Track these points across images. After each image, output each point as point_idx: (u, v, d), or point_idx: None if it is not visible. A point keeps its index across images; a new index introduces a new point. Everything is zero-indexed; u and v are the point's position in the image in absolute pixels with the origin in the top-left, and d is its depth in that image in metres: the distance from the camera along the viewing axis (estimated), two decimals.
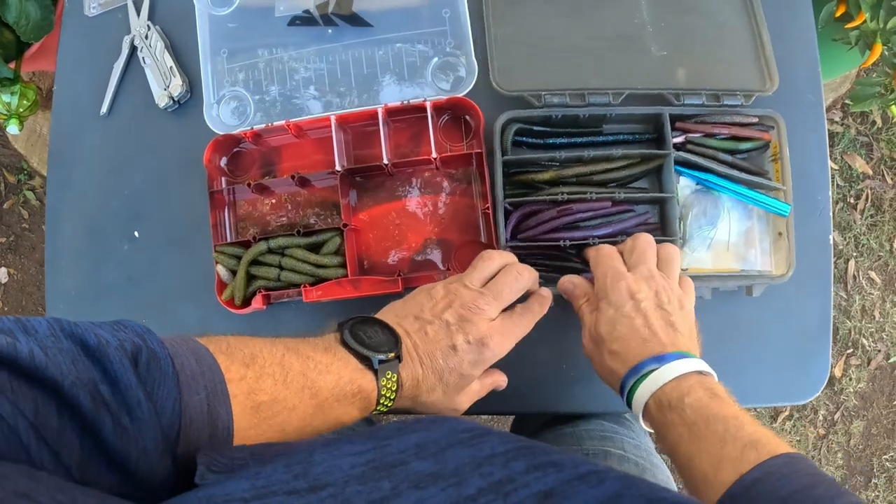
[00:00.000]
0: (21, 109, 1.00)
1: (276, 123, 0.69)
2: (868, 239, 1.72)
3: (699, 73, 0.68)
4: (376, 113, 0.68)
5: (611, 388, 0.57)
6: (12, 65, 1.07)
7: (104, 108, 0.80)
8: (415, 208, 0.72)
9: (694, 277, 0.63)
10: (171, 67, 0.77)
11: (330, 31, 0.73)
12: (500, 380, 0.61)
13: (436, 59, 0.72)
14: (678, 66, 0.68)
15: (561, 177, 0.66)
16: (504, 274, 0.58)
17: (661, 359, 0.52)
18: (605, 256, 0.60)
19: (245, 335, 0.47)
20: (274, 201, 0.73)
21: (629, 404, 0.54)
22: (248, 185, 0.68)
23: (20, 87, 0.99)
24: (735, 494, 0.43)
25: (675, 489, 0.68)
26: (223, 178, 0.73)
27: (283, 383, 0.43)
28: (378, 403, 0.50)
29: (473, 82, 0.70)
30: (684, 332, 0.55)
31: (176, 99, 0.77)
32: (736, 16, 0.70)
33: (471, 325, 0.54)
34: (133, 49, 0.81)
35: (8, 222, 1.84)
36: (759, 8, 0.70)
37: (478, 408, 0.62)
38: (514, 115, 0.66)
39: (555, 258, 0.68)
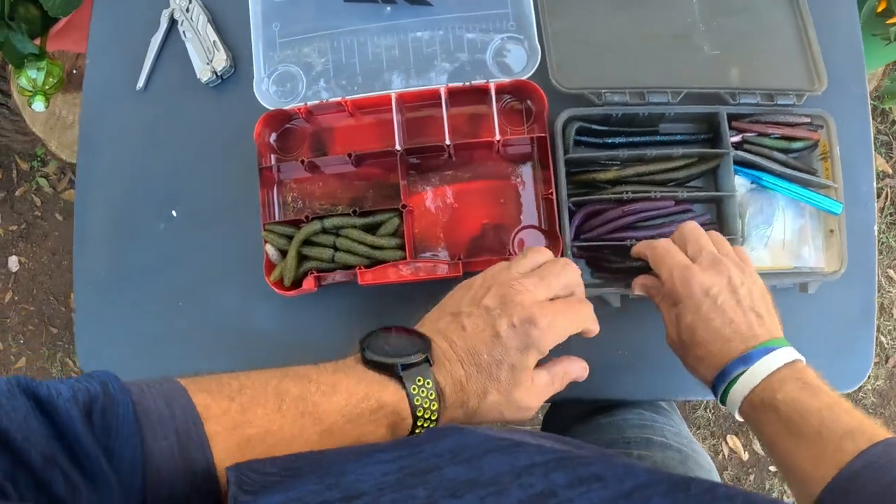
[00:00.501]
0: (47, 87, 0.96)
1: (330, 100, 0.66)
2: (887, 237, 1.71)
3: (751, 73, 0.68)
4: (438, 93, 0.66)
5: (702, 382, 0.57)
6: (37, 41, 1.03)
7: (140, 83, 0.77)
8: (473, 192, 0.70)
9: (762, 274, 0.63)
10: (214, 42, 0.74)
11: (388, 9, 0.71)
12: (575, 367, 0.53)
13: (496, 41, 0.70)
14: (731, 66, 0.68)
15: (623, 176, 0.65)
16: (551, 263, 0.53)
17: (747, 359, 0.51)
18: (664, 253, 0.56)
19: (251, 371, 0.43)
20: (325, 181, 0.70)
21: (722, 402, 0.54)
22: (302, 161, 0.65)
23: (47, 64, 0.95)
24: (836, 489, 0.42)
25: (718, 478, 0.68)
26: (272, 156, 0.70)
27: (276, 412, 0.39)
28: (418, 419, 0.45)
29: (536, 66, 0.68)
30: (763, 312, 0.53)
31: (219, 74, 0.73)
32: (783, 14, 0.70)
33: (515, 306, 0.47)
34: (172, 23, 0.77)
35: (20, 210, 1.80)
36: (805, 6, 0.69)
37: None
38: (575, 113, 0.65)
39: (619, 258, 0.66)
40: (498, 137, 0.65)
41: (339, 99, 0.66)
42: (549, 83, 0.65)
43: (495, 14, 0.70)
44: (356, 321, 0.71)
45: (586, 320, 0.51)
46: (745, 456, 1.66)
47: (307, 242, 0.66)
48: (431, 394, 0.44)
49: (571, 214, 0.65)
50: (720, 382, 0.52)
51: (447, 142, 0.65)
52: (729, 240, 0.61)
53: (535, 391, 0.49)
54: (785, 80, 0.67)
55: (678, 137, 0.67)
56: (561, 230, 0.64)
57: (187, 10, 0.76)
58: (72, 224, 1.76)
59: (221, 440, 0.36)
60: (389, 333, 0.48)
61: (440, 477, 0.31)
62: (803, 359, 0.51)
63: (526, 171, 0.69)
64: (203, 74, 0.73)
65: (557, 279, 0.50)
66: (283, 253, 0.66)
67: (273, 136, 0.71)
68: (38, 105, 0.97)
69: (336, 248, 0.65)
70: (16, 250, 1.80)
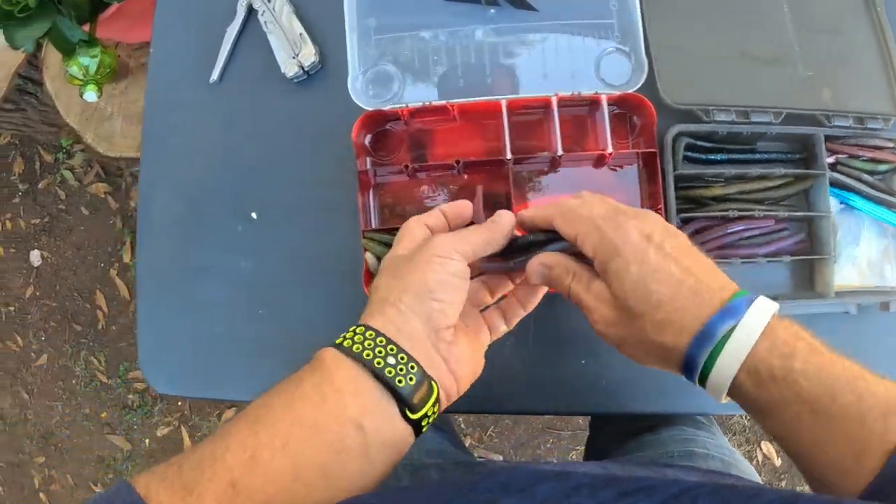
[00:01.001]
0: (100, 75, 0.91)
1: (435, 102, 0.63)
2: None
3: (840, 95, 0.68)
4: (548, 101, 0.63)
5: (658, 368, 0.44)
6: (86, 27, 0.98)
7: (215, 76, 0.72)
8: None
9: (845, 294, 0.66)
10: (300, 34, 0.69)
11: (492, 10, 0.67)
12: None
13: (600, 51, 0.67)
14: (823, 87, 0.68)
15: (727, 194, 0.66)
16: None
17: (733, 310, 0.39)
18: (578, 206, 0.45)
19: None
20: (425, 187, 0.66)
21: (702, 383, 0.41)
22: (406, 167, 0.60)
23: (99, 52, 0.90)
24: (890, 478, 0.34)
25: (760, 482, 0.65)
26: (368, 159, 0.66)
27: (207, 441, 0.37)
28: (354, 345, 0.40)
29: (643, 79, 0.66)
30: (709, 262, 0.43)
31: (306, 69, 0.69)
32: (866, 38, 0.71)
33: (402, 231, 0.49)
34: (250, 12, 0.73)
35: (43, 203, 1.75)
36: (889, 30, 0.70)
37: (572, 407, 0.64)
38: (684, 129, 0.64)
39: None
40: (610, 150, 0.63)
41: (444, 102, 0.62)
42: (651, 97, 0.64)
43: (601, 24, 0.68)
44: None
45: (480, 238, 0.47)
46: (779, 462, 1.65)
47: None
48: (359, 328, 0.41)
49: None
50: (700, 348, 0.39)
51: (558, 152, 0.62)
52: (821, 260, 0.65)
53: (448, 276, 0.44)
54: (871, 104, 0.68)
55: (774, 156, 0.68)
56: None
57: (269, 0, 0.71)
58: (99, 218, 1.72)
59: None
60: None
61: None
62: (778, 306, 0.40)
63: (630, 184, 0.67)
64: (289, 69, 0.69)
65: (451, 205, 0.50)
66: None
67: (368, 138, 0.67)
68: (91, 95, 0.92)
69: None
70: (38, 244, 1.75)
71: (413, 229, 0.49)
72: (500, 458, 1.62)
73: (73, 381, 1.74)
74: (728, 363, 0.38)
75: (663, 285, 0.40)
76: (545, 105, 0.64)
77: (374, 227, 0.65)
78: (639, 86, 0.65)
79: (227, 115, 0.72)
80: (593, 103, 0.65)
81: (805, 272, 0.68)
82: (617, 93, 0.64)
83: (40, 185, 1.75)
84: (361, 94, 0.66)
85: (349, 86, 0.66)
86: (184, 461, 0.36)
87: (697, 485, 0.31)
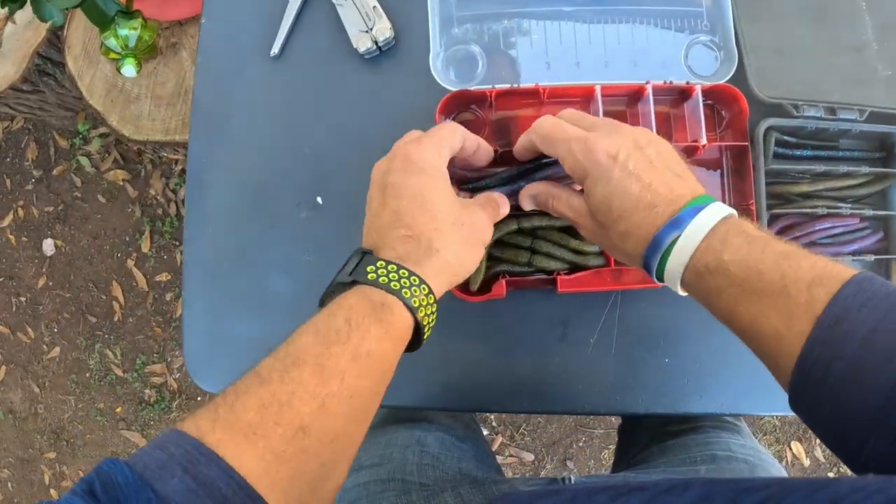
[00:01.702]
0: (140, 49, 0.85)
1: (525, 86, 0.58)
2: None
3: None
4: (642, 89, 0.60)
5: (631, 266, 0.51)
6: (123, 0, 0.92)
7: (275, 49, 0.67)
8: None
9: None
10: (374, 7, 0.64)
11: None
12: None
13: (690, 41, 0.65)
14: None
15: (814, 191, 0.65)
16: None
17: (678, 222, 0.44)
18: (555, 129, 0.49)
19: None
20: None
21: (660, 279, 0.47)
22: (495, 151, 0.55)
23: (140, 23, 0.84)
24: (819, 341, 0.37)
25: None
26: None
27: (260, 386, 0.37)
28: (397, 292, 0.43)
29: (732, 71, 0.64)
30: (680, 171, 0.47)
31: (380, 45, 0.63)
32: None
33: (387, 160, 0.49)
34: None
35: (57, 190, 1.69)
36: None
37: (613, 408, 0.63)
38: (775, 124, 0.63)
39: None
40: (704, 142, 0.60)
41: (534, 85, 0.57)
42: (741, 90, 0.62)
43: (690, 12, 0.65)
44: (537, 328, 0.63)
45: (443, 128, 0.49)
46: (807, 462, 1.64)
47: (498, 242, 0.57)
48: (391, 266, 0.43)
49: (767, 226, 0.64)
50: (653, 255, 0.45)
51: None
52: None
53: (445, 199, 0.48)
54: None
55: (856, 154, 0.67)
56: None
57: None
58: (116, 207, 1.66)
59: (228, 444, 0.35)
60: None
61: None
62: (735, 212, 0.45)
63: (712, 179, 0.65)
64: (360, 43, 0.63)
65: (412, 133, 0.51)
66: None
67: (449, 120, 0.61)
68: (129, 69, 0.86)
69: (534, 251, 0.56)
70: (52, 233, 1.69)
71: (447, 143, 0.49)
72: (532, 456, 1.57)
73: (87, 375, 1.68)
74: (674, 266, 0.44)
75: (623, 201, 0.45)
76: (636, 93, 0.61)
77: None
78: (727, 78, 0.63)
79: (290, 92, 0.67)
80: (682, 93, 0.62)
81: (882, 272, 0.67)
82: (708, 83, 0.61)
83: (55, 172, 1.68)
84: (442, 73, 0.62)
85: (430, 64, 0.61)
86: (236, 403, 0.36)
87: (689, 481, 0.32)
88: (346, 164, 0.65)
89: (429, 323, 0.45)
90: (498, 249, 0.57)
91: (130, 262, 1.66)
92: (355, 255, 0.44)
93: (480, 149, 0.52)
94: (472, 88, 0.59)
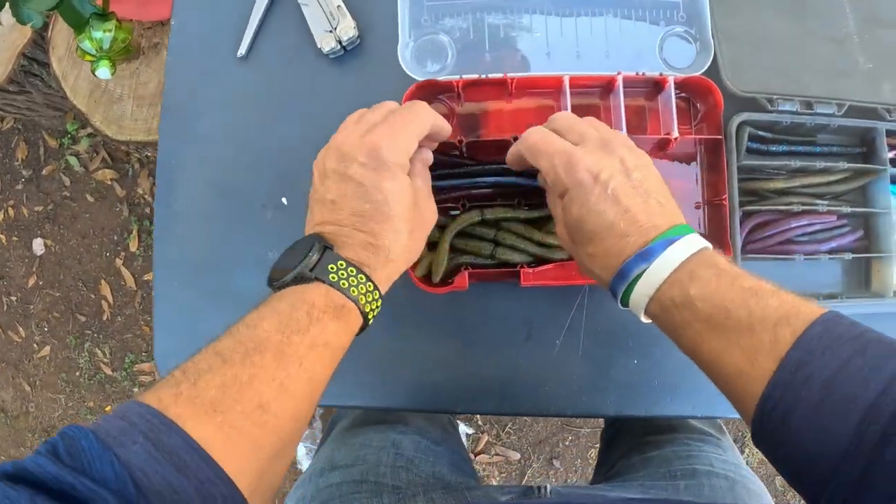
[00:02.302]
0: (114, 51, 0.86)
1: (493, 76, 0.58)
2: None
3: None
4: (612, 81, 0.59)
5: (599, 285, 0.50)
6: (99, 1, 0.93)
7: (242, 50, 0.67)
8: None
9: None
10: (338, 6, 0.64)
11: None
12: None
13: (664, 33, 0.64)
14: (883, 80, 0.66)
15: (790, 187, 0.64)
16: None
17: (647, 255, 0.43)
18: (540, 140, 0.48)
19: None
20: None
21: (625, 306, 0.47)
22: (459, 141, 0.55)
23: (114, 26, 0.85)
24: (781, 382, 0.37)
25: (770, 501, 0.68)
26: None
27: (223, 365, 0.39)
28: (355, 298, 0.45)
29: (708, 63, 0.62)
30: (663, 199, 0.46)
31: (344, 44, 0.64)
32: None
33: (347, 148, 0.47)
34: None
35: (47, 189, 1.69)
36: None
37: (580, 410, 0.62)
38: (749, 118, 0.62)
39: None
40: (676, 135, 0.59)
41: (502, 76, 0.57)
42: (717, 83, 0.61)
43: (666, 2, 0.64)
44: (501, 325, 0.63)
45: (414, 119, 0.48)
46: None
47: (461, 234, 0.58)
48: (351, 270, 0.44)
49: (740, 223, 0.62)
50: (618, 284, 0.45)
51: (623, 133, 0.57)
52: (881, 258, 0.63)
53: (415, 195, 0.49)
54: None
55: (834, 149, 0.66)
56: (732, 239, 0.60)
57: None
58: (104, 206, 1.67)
59: (189, 417, 0.36)
60: (285, 256, 0.47)
61: None
62: (710, 245, 0.45)
63: (688, 173, 0.64)
64: (325, 43, 0.64)
65: (373, 112, 0.49)
66: (430, 245, 0.57)
67: None
68: (104, 72, 0.87)
69: (497, 243, 0.57)
70: (41, 232, 1.70)
71: (414, 132, 0.48)
72: (518, 455, 1.58)
73: (77, 374, 1.69)
74: (639, 297, 0.44)
75: (597, 225, 0.45)
76: (608, 84, 0.60)
77: None
78: (703, 70, 0.62)
79: (257, 93, 0.68)
80: (656, 85, 0.62)
81: (861, 271, 0.66)
82: (683, 75, 0.60)
83: (44, 172, 1.69)
84: (411, 63, 0.62)
85: (399, 54, 0.61)
86: (198, 381, 0.37)
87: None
88: (311, 164, 0.65)
89: (373, 318, 0.47)
90: (461, 241, 0.58)
91: (119, 262, 1.66)
92: (317, 247, 0.45)
93: (443, 129, 0.51)
94: (439, 79, 0.59)
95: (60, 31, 1.23)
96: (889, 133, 0.64)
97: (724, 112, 0.61)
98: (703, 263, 0.43)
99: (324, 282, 0.44)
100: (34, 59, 1.33)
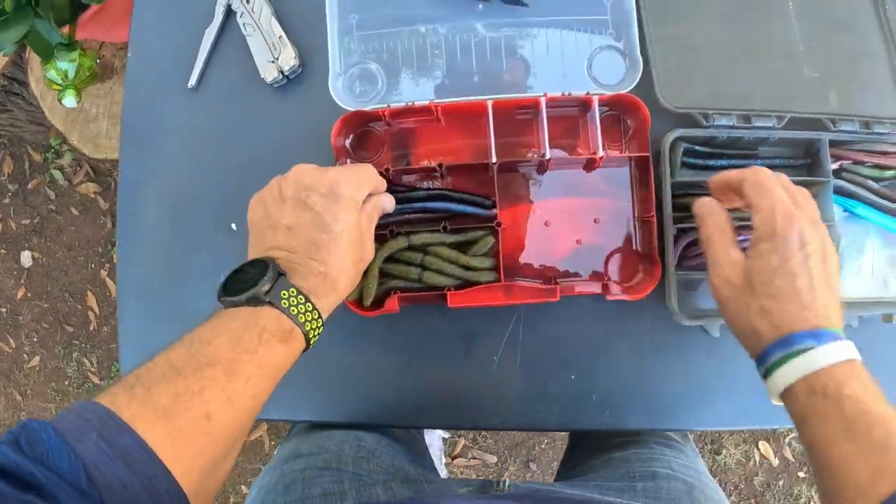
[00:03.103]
0: (79, 80, 0.89)
1: (419, 103, 0.61)
2: None
3: (848, 98, 0.66)
4: (537, 102, 0.60)
5: (741, 342, 0.50)
6: (66, 30, 0.96)
7: (192, 81, 0.70)
8: (563, 210, 0.65)
9: (847, 305, 0.63)
10: (280, 37, 0.67)
11: (480, 6, 0.65)
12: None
13: (593, 50, 0.65)
14: (829, 89, 0.66)
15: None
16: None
17: (818, 336, 0.45)
18: (770, 182, 0.50)
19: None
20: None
21: (764, 377, 0.47)
22: (386, 170, 0.58)
23: (78, 55, 0.88)
24: None
25: None
26: (348, 161, 0.64)
27: (177, 376, 0.41)
28: (302, 324, 0.48)
29: (637, 79, 0.64)
30: (838, 298, 0.48)
31: (286, 73, 0.67)
32: (877, 40, 0.69)
33: (308, 179, 0.51)
34: (228, 14, 0.71)
35: (33, 203, 1.73)
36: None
37: (521, 424, 0.65)
38: (683, 134, 0.62)
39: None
40: (601, 154, 0.60)
41: (427, 103, 0.60)
42: (647, 98, 0.62)
43: (594, 20, 0.65)
44: (439, 343, 0.65)
45: (367, 169, 0.54)
46: (776, 462, 1.64)
47: (390, 259, 0.60)
48: (301, 297, 0.48)
49: (675, 240, 0.62)
50: (778, 349, 0.46)
51: (546, 156, 0.60)
52: None
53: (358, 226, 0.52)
54: (879, 108, 0.66)
55: (777, 162, 0.65)
56: (664, 256, 0.60)
57: (247, 2, 0.69)
58: (89, 219, 1.70)
59: (141, 420, 0.38)
60: (238, 274, 0.50)
61: None
62: (860, 360, 0.46)
63: (621, 190, 0.65)
64: (268, 73, 0.67)
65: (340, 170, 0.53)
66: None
67: (349, 140, 0.65)
68: (70, 101, 0.90)
69: (424, 268, 0.60)
70: (29, 245, 1.73)
71: (366, 180, 0.54)
72: (495, 458, 1.61)
73: (66, 383, 1.72)
74: (792, 372, 0.45)
75: (787, 285, 0.46)
76: (534, 106, 0.61)
77: None
78: (633, 86, 0.63)
79: (207, 122, 0.70)
80: (584, 104, 0.62)
81: None
82: (609, 93, 0.62)
83: (30, 186, 1.72)
84: (342, 94, 0.64)
85: (330, 86, 0.64)
86: (153, 387, 0.40)
87: None
88: (255, 191, 0.68)
89: (314, 342, 0.51)
90: (389, 265, 0.60)
91: (104, 273, 1.70)
92: (271, 273, 0.47)
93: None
94: (367, 109, 0.61)
95: None
96: (834, 144, 0.64)
97: (661, 127, 0.62)
98: (859, 375, 0.44)
99: (275, 307, 0.47)
100: (14, 78, 1.37)
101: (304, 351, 0.50)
